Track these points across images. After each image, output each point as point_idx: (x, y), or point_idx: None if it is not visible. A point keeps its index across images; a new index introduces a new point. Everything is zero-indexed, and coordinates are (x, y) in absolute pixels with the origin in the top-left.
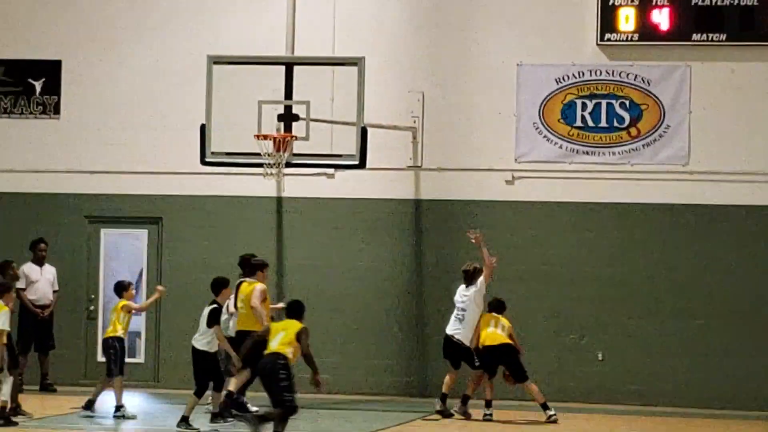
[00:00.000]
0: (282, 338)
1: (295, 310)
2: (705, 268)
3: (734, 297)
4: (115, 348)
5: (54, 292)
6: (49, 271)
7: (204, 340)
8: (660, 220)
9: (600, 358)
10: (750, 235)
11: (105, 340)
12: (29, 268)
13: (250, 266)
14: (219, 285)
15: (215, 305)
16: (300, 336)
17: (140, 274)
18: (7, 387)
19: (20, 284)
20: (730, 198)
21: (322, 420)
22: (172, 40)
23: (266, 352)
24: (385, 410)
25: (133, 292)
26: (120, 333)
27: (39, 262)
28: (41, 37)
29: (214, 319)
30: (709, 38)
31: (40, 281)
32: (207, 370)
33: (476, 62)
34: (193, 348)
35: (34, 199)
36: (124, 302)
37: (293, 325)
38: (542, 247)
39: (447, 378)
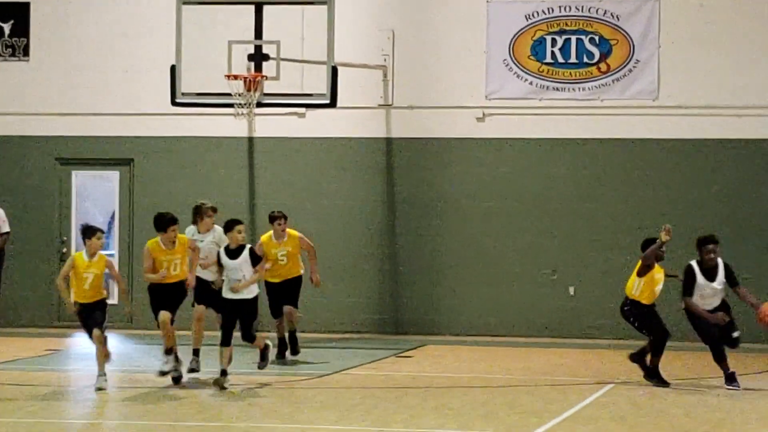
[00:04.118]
0: None
1: None
2: (675, 203)
3: (705, 231)
4: None
5: (4, 233)
6: None
7: None
8: (630, 155)
9: (572, 293)
10: (720, 169)
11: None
12: None
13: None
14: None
15: None
16: None
17: (112, 216)
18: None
19: None
20: (701, 132)
21: (297, 358)
22: None
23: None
24: (359, 348)
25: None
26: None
27: None
28: None
29: None
30: None
31: None
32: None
33: None
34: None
35: (4, 142)
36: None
37: None
38: (513, 184)
39: None
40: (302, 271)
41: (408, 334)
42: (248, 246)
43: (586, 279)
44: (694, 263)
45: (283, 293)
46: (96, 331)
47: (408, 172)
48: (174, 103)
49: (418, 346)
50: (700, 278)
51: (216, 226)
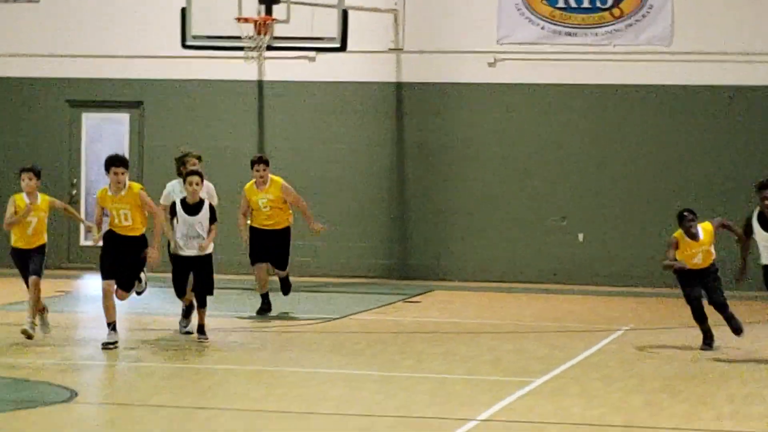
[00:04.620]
0: None
1: None
2: (687, 149)
3: (715, 178)
4: None
5: None
6: None
7: None
8: (643, 101)
9: (580, 240)
10: (733, 116)
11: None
12: None
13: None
14: None
15: None
16: None
17: None
18: None
19: None
20: (714, 78)
21: (305, 303)
22: None
23: None
24: (367, 293)
25: (30, 181)
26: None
27: None
28: None
29: None
30: None
31: None
32: None
33: None
34: None
35: (14, 84)
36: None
37: None
38: (524, 130)
39: None
40: (291, 222)
41: (416, 279)
42: (208, 202)
43: (596, 226)
44: (757, 209)
45: (271, 246)
46: (34, 278)
47: (418, 117)
48: (184, 46)
49: (426, 291)
50: (755, 225)
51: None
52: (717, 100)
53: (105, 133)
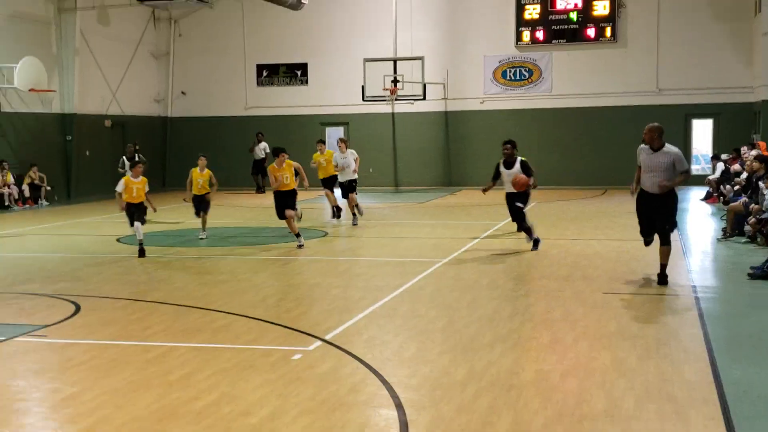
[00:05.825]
0: None
1: None
2: (559, 140)
3: (583, 149)
4: None
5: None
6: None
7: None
8: (543, 115)
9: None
10: (583, 124)
11: None
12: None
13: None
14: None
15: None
16: None
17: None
18: None
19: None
20: (572, 104)
21: (410, 195)
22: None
23: None
24: (433, 191)
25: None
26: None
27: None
28: None
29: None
30: None
31: None
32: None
33: (467, 55)
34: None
35: (296, 118)
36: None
37: None
38: (496, 129)
39: None
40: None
41: (452, 185)
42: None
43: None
44: (502, 158)
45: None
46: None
47: (454, 124)
48: (364, 100)
49: (457, 191)
50: (501, 168)
51: (348, 150)
52: (574, 115)
53: (334, 136)
